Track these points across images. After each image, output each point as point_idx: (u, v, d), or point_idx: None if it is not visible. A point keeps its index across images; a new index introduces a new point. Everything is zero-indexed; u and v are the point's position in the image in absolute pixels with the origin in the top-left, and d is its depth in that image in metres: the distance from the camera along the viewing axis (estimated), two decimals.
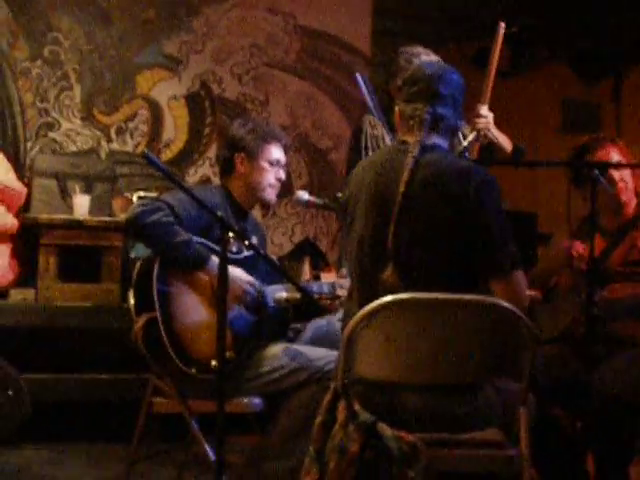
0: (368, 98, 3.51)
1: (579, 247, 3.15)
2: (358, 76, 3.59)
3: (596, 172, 2.73)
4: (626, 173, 3.24)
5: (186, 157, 5.11)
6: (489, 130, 3.36)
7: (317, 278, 4.53)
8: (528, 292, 2.53)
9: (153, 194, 4.47)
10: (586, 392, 2.85)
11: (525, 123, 7.95)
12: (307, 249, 4.82)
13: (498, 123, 3.47)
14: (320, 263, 4.82)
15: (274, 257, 4.90)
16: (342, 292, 3.11)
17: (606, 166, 2.90)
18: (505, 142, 3.45)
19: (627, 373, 2.95)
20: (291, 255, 4.89)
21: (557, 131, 8.00)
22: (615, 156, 3.20)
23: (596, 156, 3.18)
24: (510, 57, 7.05)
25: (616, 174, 3.19)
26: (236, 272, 2.98)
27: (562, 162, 3.24)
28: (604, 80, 7.94)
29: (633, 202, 3.26)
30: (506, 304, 2.28)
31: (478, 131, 3.32)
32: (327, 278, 4.35)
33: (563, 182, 3.37)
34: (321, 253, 4.98)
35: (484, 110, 3.33)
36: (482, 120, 3.33)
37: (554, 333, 3.21)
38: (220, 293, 2.49)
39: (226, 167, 3.24)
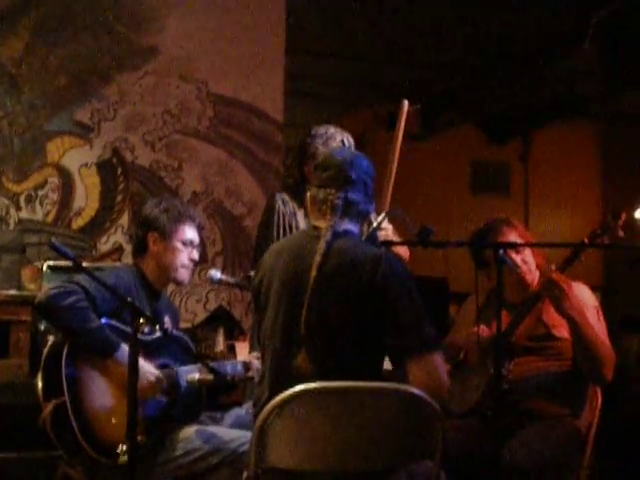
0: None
1: (485, 332, 3.21)
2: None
3: (501, 252, 2.79)
4: (527, 253, 3.32)
5: (98, 225, 5.06)
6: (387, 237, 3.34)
7: (232, 347, 4.51)
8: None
9: (63, 263, 4.40)
10: (497, 465, 2.89)
11: (436, 184, 8.14)
12: (221, 318, 4.80)
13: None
14: (235, 331, 4.81)
15: (188, 325, 4.89)
16: (255, 372, 3.11)
17: (506, 246, 2.95)
18: (403, 251, 3.42)
19: (535, 446, 3.02)
20: (205, 324, 4.86)
21: (468, 191, 8.21)
22: (513, 238, 3.26)
23: (495, 241, 3.22)
24: (420, 121, 7.22)
25: (517, 257, 3.27)
26: (144, 367, 2.94)
27: (467, 243, 3.31)
28: (512, 141, 8.20)
29: (536, 277, 3.35)
30: (415, 390, 2.32)
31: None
32: (242, 348, 4.34)
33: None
34: (235, 321, 4.97)
35: (384, 223, 3.31)
36: (382, 233, 3.33)
37: (465, 408, 3.26)
38: (130, 378, 2.47)
39: (139, 247, 3.21)
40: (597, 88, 6.67)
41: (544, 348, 3.24)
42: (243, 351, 4.15)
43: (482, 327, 3.17)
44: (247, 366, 3.19)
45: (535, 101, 7.33)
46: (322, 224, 2.59)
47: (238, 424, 3.10)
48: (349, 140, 3.48)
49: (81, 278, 2.97)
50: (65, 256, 2.41)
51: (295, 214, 3.47)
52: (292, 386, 2.30)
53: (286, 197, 3.51)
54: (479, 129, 7.96)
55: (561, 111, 7.50)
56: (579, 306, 3.11)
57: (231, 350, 4.46)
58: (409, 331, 2.44)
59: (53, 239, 2.45)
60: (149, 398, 2.94)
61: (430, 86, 7.28)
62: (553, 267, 3.15)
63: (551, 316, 3.25)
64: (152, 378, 2.95)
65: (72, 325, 2.86)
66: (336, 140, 3.44)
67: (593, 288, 3.40)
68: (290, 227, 3.42)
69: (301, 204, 3.44)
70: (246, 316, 5.15)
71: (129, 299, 2.55)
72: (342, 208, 2.59)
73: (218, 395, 3.56)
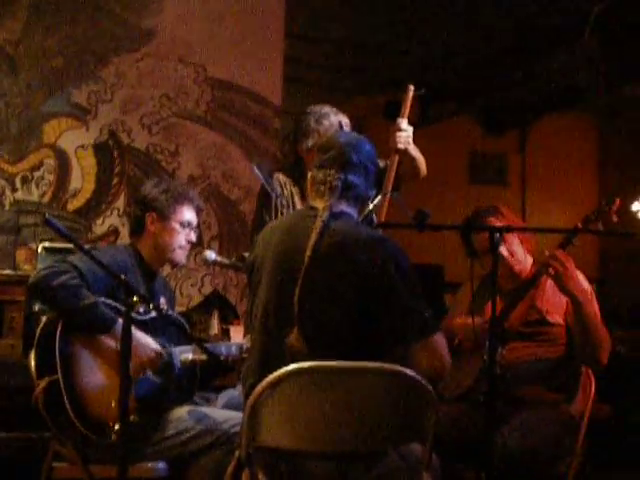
0: (267, 185, 3.42)
1: (479, 318, 3.17)
2: (255, 167, 3.48)
3: (497, 236, 2.75)
4: (514, 243, 3.31)
5: (93, 207, 5.03)
6: (409, 144, 3.30)
7: (226, 332, 4.51)
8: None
9: (58, 245, 4.39)
10: (489, 450, 2.88)
11: (433, 175, 8.07)
12: (216, 302, 4.79)
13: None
14: (229, 316, 4.80)
15: (183, 309, 4.89)
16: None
17: (498, 230, 2.85)
18: (422, 160, 3.40)
19: (527, 432, 3.01)
20: (200, 308, 4.85)
21: (465, 182, 8.20)
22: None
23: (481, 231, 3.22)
24: (418, 110, 7.21)
25: (503, 250, 3.24)
26: (144, 339, 2.94)
27: (461, 226, 3.31)
28: (510, 132, 8.18)
29: (528, 264, 3.34)
30: (409, 372, 2.32)
31: (397, 150, 3.23)
32: (236, 332, 4.34)
33: None
34: (230, 306, 4.96)
35: (404, 124, 3.28)
36: (403, 134, 3.26)
37: (457, 393, 3.26)
38: (123, 356, 2.47)
39: (136, 226, 3.21)
40: (595, 79, 6.65)
41: (538, 334, 3.24)
42: (238, 335, 4.15)
43: (476, 315, 3.15)
44: (242, 348, 3.18)
45: (532, 92, 7.31)
46: (319, 204, 2.57)
47: (231, 405, 3.10)
48: (345, 122, 3.44)
49: (73, 258, 2.97)
50: (58, 231, 2.40)
51: (292, 194, 3.44)
52: (284, 364, 2.30)
53: (282, 177, 3.48)
54: (476, 120, 7.94)
55: (558, 102, 7.48)
56: (581, 284, 3.10)
57: (226, 334, 4.46)
58: (409, 315, 2.43)
59: (47, 214, 2.43)
60: (142, 377, 2.94)
61: (427, 76, 7.25)
62: (546, 253, 3.14)
63: (545, 302, 3.26)
64: (152, 353, 2.95)
65: (66, 304, 2.86)
66: (329, 119, 3.38)
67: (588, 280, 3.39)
68: (287, 207, 3.39)
69: (296, 184, 3.43)
70: (241, 301, 5.14)
71: (122, 277, 2.54)
72: (340, 189, 2.57)
73: (213, 378, 3.56)
